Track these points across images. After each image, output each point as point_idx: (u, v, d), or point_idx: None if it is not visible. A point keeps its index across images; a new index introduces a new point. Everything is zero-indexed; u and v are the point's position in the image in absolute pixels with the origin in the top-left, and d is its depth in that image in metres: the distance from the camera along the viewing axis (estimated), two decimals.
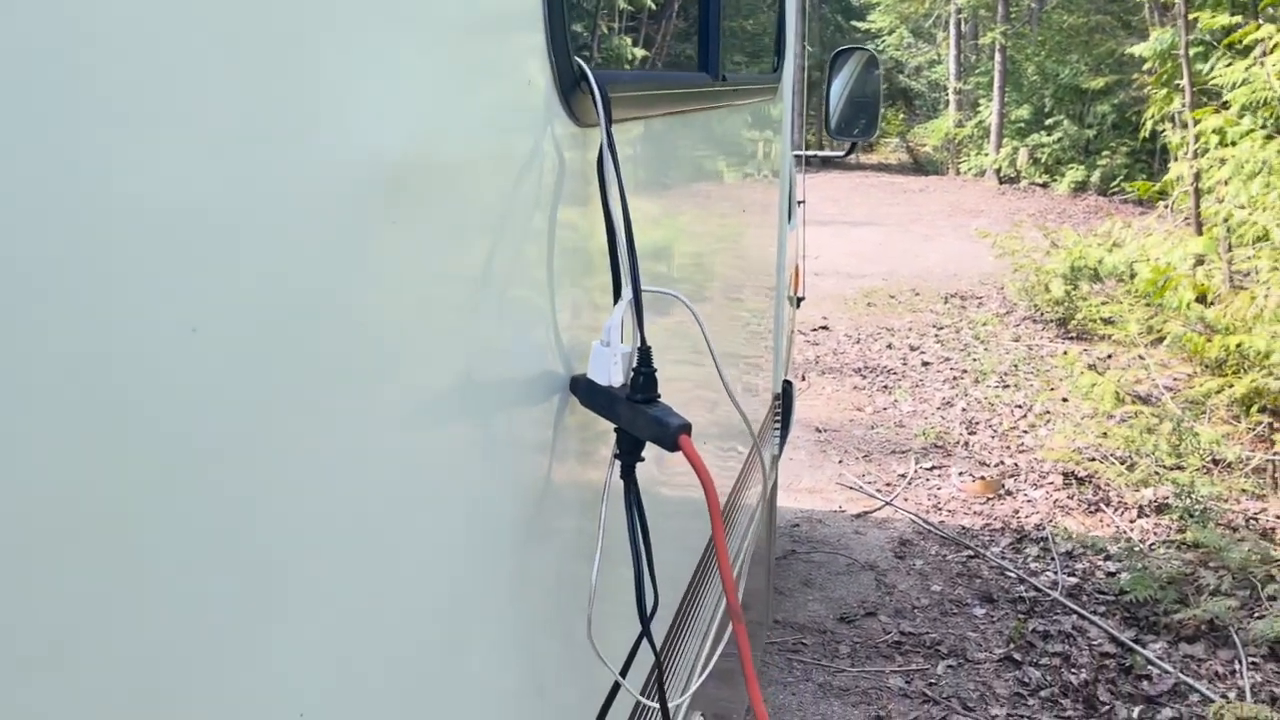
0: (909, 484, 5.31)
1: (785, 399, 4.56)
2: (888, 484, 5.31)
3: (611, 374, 1.01)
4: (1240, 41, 5.79)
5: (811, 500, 5.15)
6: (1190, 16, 6.71)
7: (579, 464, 1.07)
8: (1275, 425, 4.86)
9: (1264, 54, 5.89)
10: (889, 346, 8.17)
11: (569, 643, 1.06)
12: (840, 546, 4.60)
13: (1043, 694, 3.45)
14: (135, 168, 0.48)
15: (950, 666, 3.63)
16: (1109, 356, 7.27)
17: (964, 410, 6.46)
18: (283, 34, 0.59)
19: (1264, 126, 5.98)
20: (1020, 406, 6.44)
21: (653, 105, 1.37)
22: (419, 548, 0.78)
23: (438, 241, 0.78)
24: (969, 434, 6.02)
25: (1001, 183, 19.70)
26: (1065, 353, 7.28)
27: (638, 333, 1.01)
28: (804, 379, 7.31)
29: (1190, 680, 3.45)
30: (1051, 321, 8.38)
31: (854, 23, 25.67)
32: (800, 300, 4.78)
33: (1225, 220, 5.95)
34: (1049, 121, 18.67)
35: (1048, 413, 6.21)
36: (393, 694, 0.74)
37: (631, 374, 1.01)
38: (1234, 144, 5.69)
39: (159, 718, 0.52)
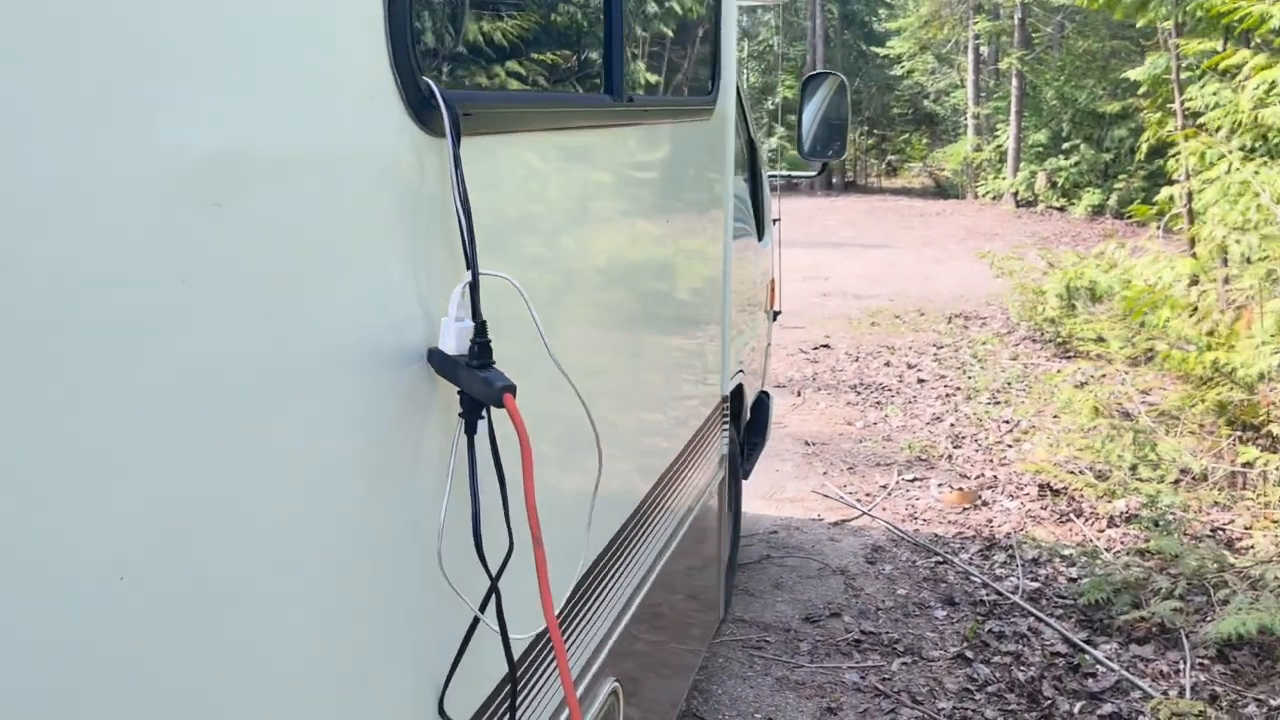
0: (889, 494, 5.46)
1: (761, 409, 4.74)
2: (868, 494, 5.46)
3: (456, 344, 1.21)
4: (1217, 66, 5.93)
5: (792, 509, 5.31)
6: (1174, 42, 6.86)
7: (437, 421, 1.27)
8: (1243, 437, 4.96)
9: (1246, 78, 6.03)
10: (887, 364, 8.32)
11: (428, 577, 1.26)
12: (814, 552, 4.76)
13: (989, 689, 3.59)
14: None
15: (905, 663, 3.77)
16: (1102, 376, 7.38)
17: (952, 425, 6.60)
18: (134, 32, 0.79)
19: (1243, 149, 6.10)
20: (1008, 422, 6.57)
21: (531, 123, 1.58)
22: (303, 496, 0.99)
23: (287, 240, 0.99)
24: (954, 448, 6.16)
25: (1018, 206, 19.77)
26: (1059, 371, 7.40)
27: (476, 310, 1.22)
28: (799, 395, 7.48)
29: (1133, 678, 3.58)
30: (1050, 341, 8.49)
31: (874, 49, 25.89)
32: (777, 314, 4.96)
33: (1212, 240, 6.07)
34: (1066, 145, 18.75)
35: (1033, 428, 6.33)
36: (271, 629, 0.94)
37: (470, 344, 1.21)
38: (1212, 165, 5.82)
39: None
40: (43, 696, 0.75)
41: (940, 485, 5.54)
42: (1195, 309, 5.45)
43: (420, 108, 1.19)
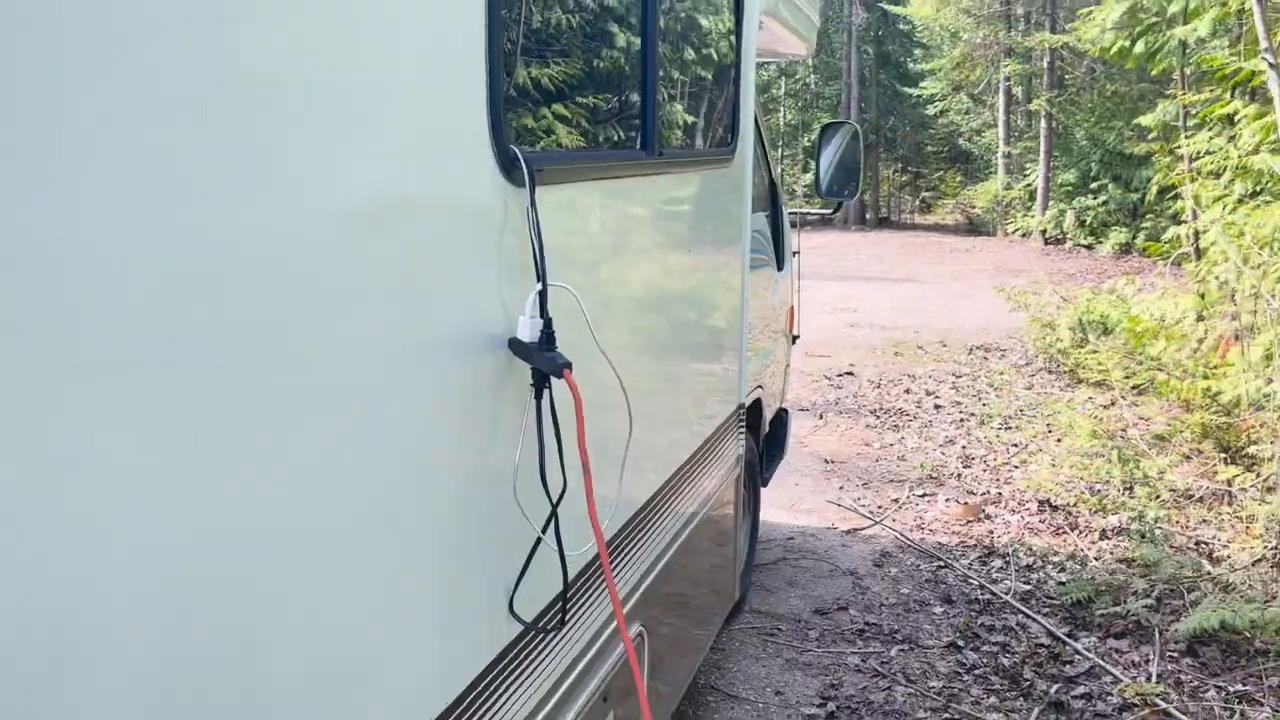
0: (899, 507, 5.89)
1: (780, 424, 5.22)
2: (880, 507, 5.90)
3: (530, 334, 1.72)
4: (1212, 114, 6.37)
5: (809, 518, 5.76)
6: (1173, 91, 7.30)
7: (515, 390, 1.78)
8: (1227, 459, 5.35)
9: (1243, 124, 6.46)
10: (907, 391, 8.75)
11: (505, 505, 1.75)
12: (827, 556, 5.20)
13: (976, 672, 4.01)
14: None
15: (902, 650, 4.21)
16: (1111, 404, 7.76)
17: (964, 448, 7.01)
18: (297, 110, 1.31)
19: (1248, 192, 6.51)
20: (1016, 445, 6.97)
21: (585, 175, 2.10)
22: (415, 448, 1.49)
23: (419, 258, 1.50)
24: (964, 468, 6.58)
25: (1047, 244, 20.13)
26: (1069, 400, 7.80)
27: (544, 309, 1.72)
28: (822, 418, 7.93)
29: (1107, 665, 3.99)
30: (1063, 372, 8.88)
31: (908, 89, 26.43)
32: (796, 338, 5.44)
33: (1215, 278, 6.46)
34: (1094, 185, 19.12)
35: (1039, 450, 6.73)
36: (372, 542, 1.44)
37: (540, 333, 1.72)
38: (1208, 208, 6.24)
39: None
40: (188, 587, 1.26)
41: (948, 500, 5.97)
42: (1191, 341, 5.86)
43: (508, 166, 1.70)
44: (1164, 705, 3.65)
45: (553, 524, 1.81)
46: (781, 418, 5.28)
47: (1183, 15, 7.50)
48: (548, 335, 1.72)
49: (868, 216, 26.82)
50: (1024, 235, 21.21)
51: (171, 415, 1.05)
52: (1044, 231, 20.23)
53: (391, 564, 1.49)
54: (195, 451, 1.09)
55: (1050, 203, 20.51)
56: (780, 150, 28.35)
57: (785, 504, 5.91)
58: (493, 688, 1.78)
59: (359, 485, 1.39)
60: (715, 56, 3.18)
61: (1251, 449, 5.14)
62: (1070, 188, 19.95)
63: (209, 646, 1.13)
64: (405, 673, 1.53)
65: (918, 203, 29.94)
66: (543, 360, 1.71)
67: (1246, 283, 5.54)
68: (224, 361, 1.12)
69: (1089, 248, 18.93)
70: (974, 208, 24.70)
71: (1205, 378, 5.98)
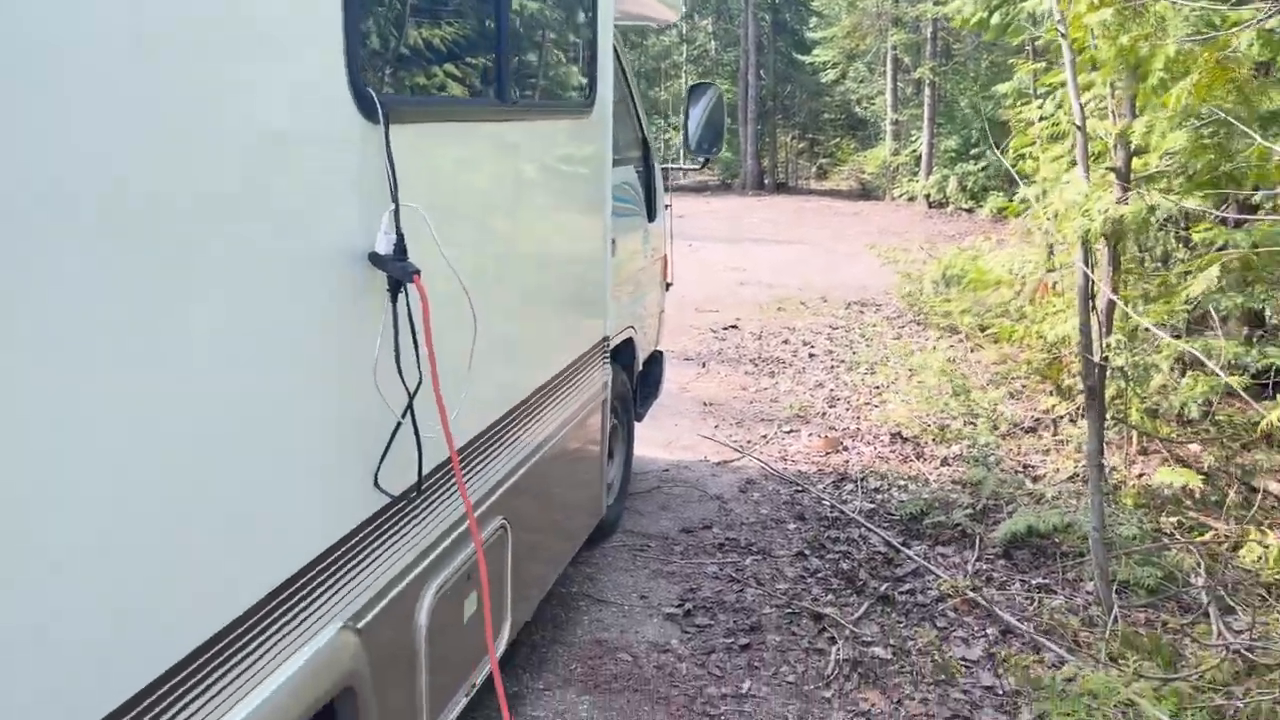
0: (767, 442, 6.39)
1: (655, 366, 5.63)
2: (749, 441, 6.39)
3: (385, 246, 2.07)
4: (1047, 83, 6.96)
5: (684, 454, 6.21)
6: (1011, 61, 7.88)
7: (373, 295, 2.12)
8: (1049, 392, 5.97)
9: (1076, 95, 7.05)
10: (785, 342, 9.28)
11: (369, 391, 2.10)
12: (697, 484, 5.67)
13: (819, 575, 4.52)
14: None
15: (756, 559, 4.69)
16: (976, 347, 8.41)
17: (831, 390, 7.56)
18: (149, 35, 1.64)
19: (1062, 156, 7.11)
20: (878, 387, 7.55)
21: (441, 117, 2.44)
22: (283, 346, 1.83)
23: (290, 185, 1.83)
24: (829, 407, 7.12)
25: (930, 207, 21.06)
26: (927, 347, 8.42)
27: (397, 226, 2.07)
28: (704, 366, 8.40)
29: (930, 566, 4.54)
30: (930, 324, 9.52)
31: (803, 57, 27.08)
32: (669, 285, 5.85)
33: (1040, 229, 7.07)
34: (975, 151, 20.06)
35: (897, 392, 7.32)
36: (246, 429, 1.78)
37: (393, 246, 2.07)
38: (1043, 169, 6.84)
39: None
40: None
41: (811, 435, 6.49)
42: (1016, 286, 6.46)
43: (366, 107, 2.04)
44: (973, 595, 4.21)
45: (409, 411, 2.17)
46: (657, 359, 5.69)
47: None
48: (400, 248, 2.07)
49: (766, 182, 27.47)
50: (910, 199, 22.12)
51: (87, 319, 1.39)
52: (928, 196, 21.14)
53: (272, 431, 1.83)
54: (104, 346, 1.43)
55: (934, 168, 21.42)
56: (683, 115, 28.71)
57: (663, 442, 6.35)
58: (361, 548, 2.14)
59: (247, 369, 1.73)
60: (572, 16, 3.53)
61: (1069, 382, 5.76)
62: (953, 154, 20.88)
63: (135, 503, 1.48)
64: (286, 521, 1.89)
65: (814, 169, 30.73)
66: (395, 268, 2.07)
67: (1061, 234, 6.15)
68: (122, 273, 1.46)
69: (970, 211, 19.88)
70: (865, 173, 25.57)
71: (1036, 321, 6.61)
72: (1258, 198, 5.46)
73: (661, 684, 3.61)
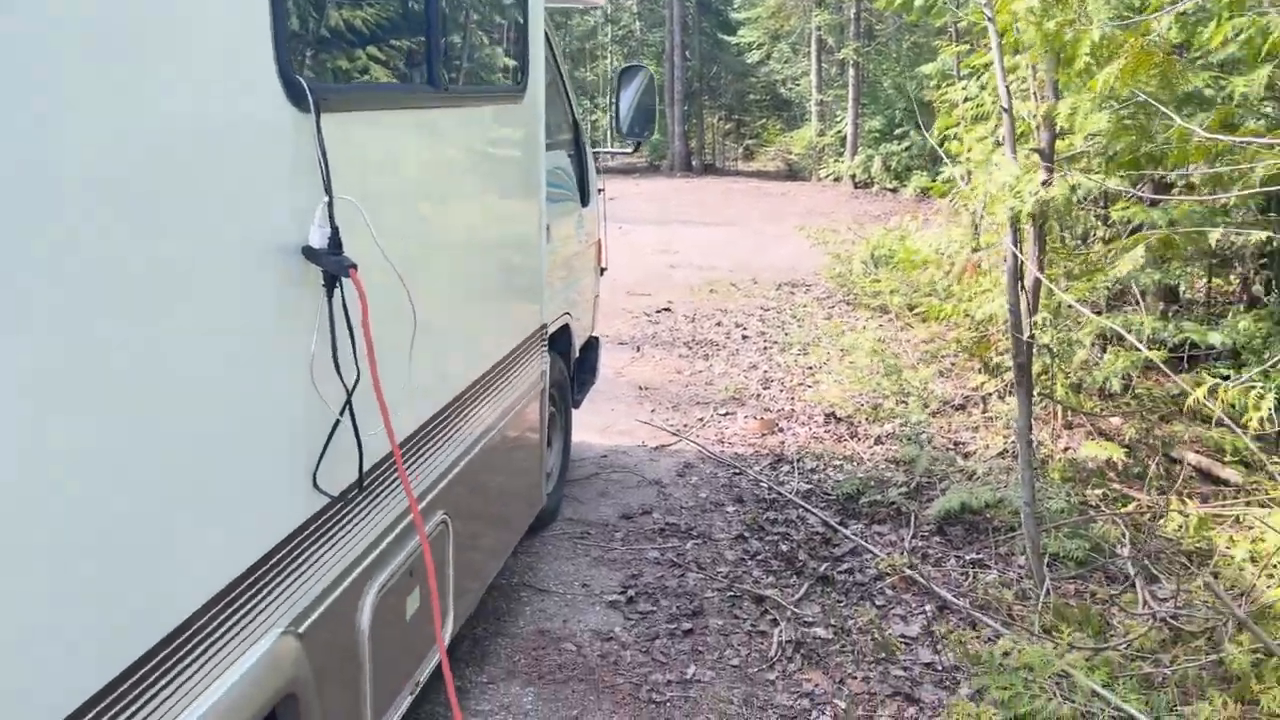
0: (704, 425, 6.41)
1: (591, 352, 5.59)
2: (686, 425, 6.40)
3: (319, 240, 1.99)
4: (972, 64, 7.07)
5: (621, 439, 6.20)
6: (935, 43, 7.99)
7: (308, 290, 2.05)
8: (979, 370, 6.10)
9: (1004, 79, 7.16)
10: (718, 325, 9.32)
11: (305, 390, 2.03)
12: (636, 470, 5.66)
13: (759, 558, 4.55)
14: None
15: (697, 543, 4.70)
16: (905, 326, 8.54)
17: (765, 372, 7.62)
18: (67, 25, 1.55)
19: (987, 137, 7.23)
20: (811, 368, 7.63)
21: (374, 104, 2.36)
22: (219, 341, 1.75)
23: (218, 176, 1.75)
24: (763, 389, 7.17)
25: (856, 188, 21.33)
26: (857, 327, 8.53)
27: (332, 219, 2.00)
28: (639, 350, 8.39)
29: (867, 545, 4.60)
30: (860, 304, 9.65)
31: (728, 37, 27.12)
32: (604, 270, 5.81)
33: (967, 209, 7.19)
34: (898, 132, 20.35)
35: (829, 372, 7.40)
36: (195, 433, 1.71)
37: (328, 240, 2.00)
38: (969, 150, 6.95)
39: None
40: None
41: (747, 417, 6.53)
42: (945, 266, 6.57)
43: (295, 95, 1.96)
44: (910, 573, 4.28)
45: (348, 407, 2.11)
46: (592, 345, 5.66)
47: None
48: (335, 241, 2.00)
49: (693, 163, 27.50)
50: (836, 180, 22.37)
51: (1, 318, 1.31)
52: (854, 176, 21.40)
53: (203, 434, 1.76)
54: (20, 346, 1.35)
55: (859, 148, 21.67)
56: (609, 96, 28.59)
57: (600, 427, 6.33)
58: (299, 551, 2.08)
59: (176, 370, 1.66)
60: (502, 2, 3.46)
61: (997, 359, 5.89)
62: (877, 134, 21.16)
63: (55, 512, 1.41)
64: (221, 527, 1.82)
65: (741, 150, 30.86)
66: (330, 263, 2.00)
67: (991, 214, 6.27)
68: (40, 270, 1.38)
69: (894, 191, 20.17)
70: (791, 154, 25.77)
71: (964, 300, 6.73)
72: (1172, 176, 5.63)
73: (606, 672, 3.60)
